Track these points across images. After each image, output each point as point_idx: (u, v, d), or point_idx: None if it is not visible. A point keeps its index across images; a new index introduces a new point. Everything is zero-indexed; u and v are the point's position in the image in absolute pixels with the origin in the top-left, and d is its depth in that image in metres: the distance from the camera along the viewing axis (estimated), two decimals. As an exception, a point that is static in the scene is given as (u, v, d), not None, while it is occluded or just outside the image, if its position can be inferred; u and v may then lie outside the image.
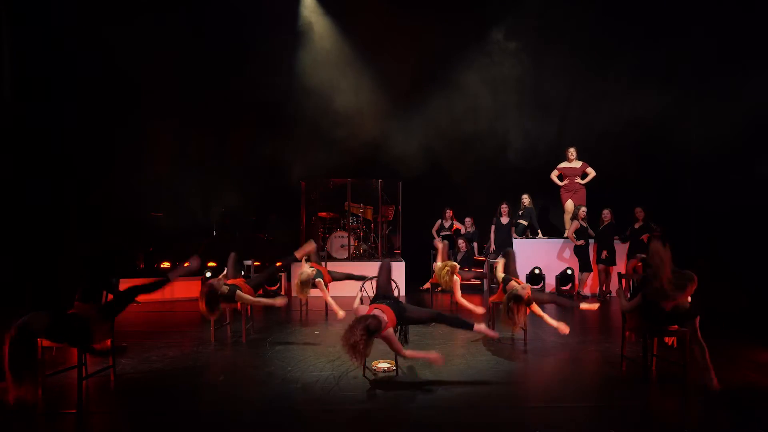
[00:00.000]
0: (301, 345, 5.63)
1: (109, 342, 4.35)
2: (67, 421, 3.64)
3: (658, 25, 9.23)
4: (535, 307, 5.39)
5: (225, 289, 5.53)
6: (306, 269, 6.49)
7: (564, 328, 5.19)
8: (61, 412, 3.78)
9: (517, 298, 5.11)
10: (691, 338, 4.10)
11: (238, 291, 5.57)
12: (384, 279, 4.66)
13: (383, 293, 4.56)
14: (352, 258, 9.48)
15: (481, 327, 4.40)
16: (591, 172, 9.32)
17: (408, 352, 4.27)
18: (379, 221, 10.10)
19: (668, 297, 4.13)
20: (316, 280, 6.52)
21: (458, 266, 6.81)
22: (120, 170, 9.42)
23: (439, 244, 6.94)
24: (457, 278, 6.67)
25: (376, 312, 4.19)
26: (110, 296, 4.35)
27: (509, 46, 10.40)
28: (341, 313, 5.91)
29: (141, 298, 4.41)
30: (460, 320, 4.50)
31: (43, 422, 3.67)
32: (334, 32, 10.54)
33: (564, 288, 8.93)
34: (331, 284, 7.00)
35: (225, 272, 6.04)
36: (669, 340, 4.75)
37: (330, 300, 6.35)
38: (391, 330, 4.20)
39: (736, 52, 8.25)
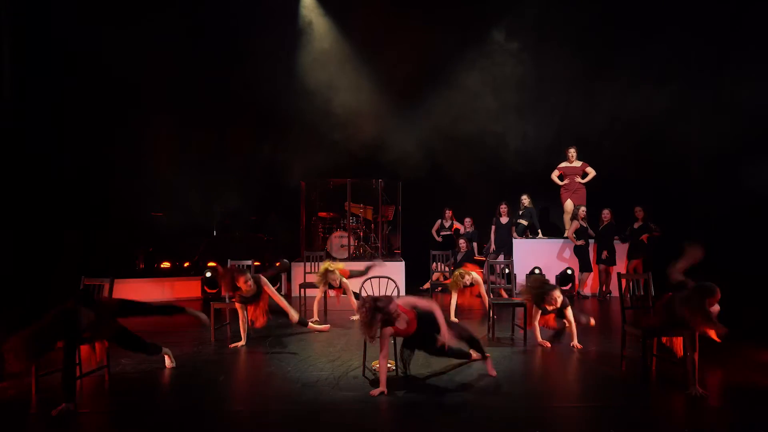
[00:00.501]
0: (301, 345, 5.63)
1: (106, 343, 4.33)
2: (62, 420, 3.64)
3: (658, 24, 9.23)
4: (539, 324, 5.45)
5: (251, 291, 5.45)
6: (338, 276, 6.74)
7: (547, 345, 5.47)
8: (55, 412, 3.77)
9: (543, 297, 5.20)
10: (688, 347, 4.08)
11: (256, 301, 5.51)
12: (455, 330, 4.39)
13: (428, 313, 4.26)
14: (352, 258, 9.48)
15: (473, 354, 4.57)
16: (591, 172, 9.32)
17: (382, 364, 4.13)
18: (379, 221, 10.10)
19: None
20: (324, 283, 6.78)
21: (469, 282, 6.66)
22: (120, 170, 9.42)
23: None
24: (457, 292, 6.67)
25: (402, 314, 4.16)
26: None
27: (509, 46, 10.40)
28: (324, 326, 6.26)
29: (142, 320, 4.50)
30: (462, 352, 4.54)
31: (37, 422, 3.67)
32: (333, 32, 10.54)
33: (564, 288, 8.93)
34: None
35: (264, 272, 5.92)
36: (665, 339, 4.73)
37: (316, 306, 6.77)
38: (390, 330, 4.19)
39: (737, 52, 8.26)
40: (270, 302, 5.63)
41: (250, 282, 5.41)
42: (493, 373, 4.50)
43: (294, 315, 5.63)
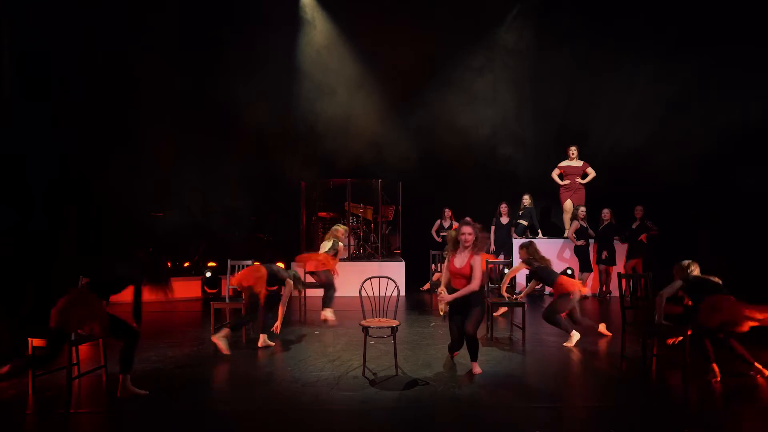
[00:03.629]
0: (301, 345, 5.63)
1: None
2: (57, 421, 3.64)
3: (658, 23, 9.22)
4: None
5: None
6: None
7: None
8: (51, 413, 3.78)
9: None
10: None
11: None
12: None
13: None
14: (352, 258, 9.48)
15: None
16: (591, 173, 9.31)
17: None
18: (379, 221, 10.10)
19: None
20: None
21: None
22: (120, 170, 9.41)
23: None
24: None
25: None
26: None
27: (510, 46, 10.40)
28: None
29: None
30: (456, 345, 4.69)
31: (35, 422, 3.67)
32: (334, 31, 10.53)
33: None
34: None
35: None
36: (671, 340, 4.75)
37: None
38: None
39: (739, 50, 8.25)
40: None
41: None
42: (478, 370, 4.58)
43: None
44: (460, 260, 4.50)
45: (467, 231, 4.49)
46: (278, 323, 5.99)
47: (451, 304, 4.51)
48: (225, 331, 5.28)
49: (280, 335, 5.97)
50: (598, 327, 5.98)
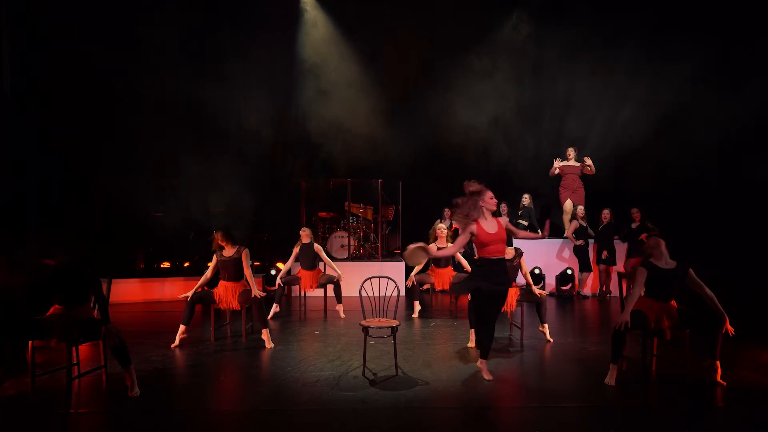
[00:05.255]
0: (301, 345, 5.63)
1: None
2: (57, 421, 3.64)
3: (659, 23, 9.22)
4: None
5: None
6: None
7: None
8: (51, 413, 3.78)
9: None
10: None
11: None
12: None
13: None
14: (352, 258, 9.48)
15: (483, 366, 4.50)
16: (587, 160, 9.28)
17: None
18: (379, 221, 10.10)
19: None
20: None
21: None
22: (120, 170, 9.41)
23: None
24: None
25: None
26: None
27: (509, 46, 10.39)
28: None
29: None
30: (488, 340, 4.49)
31: (35, 422, 3.67)
32: (334, 30, 10.53)
33: (564, 288, 8.93)
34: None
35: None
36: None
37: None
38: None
39: (740, 51, 8.26)
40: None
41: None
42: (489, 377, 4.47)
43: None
44: (490, 226, 4.52)
45: (492, 194, 4.62)
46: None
47: (481, 281, 4.40)
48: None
49: (281, 335, 5.98)
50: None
